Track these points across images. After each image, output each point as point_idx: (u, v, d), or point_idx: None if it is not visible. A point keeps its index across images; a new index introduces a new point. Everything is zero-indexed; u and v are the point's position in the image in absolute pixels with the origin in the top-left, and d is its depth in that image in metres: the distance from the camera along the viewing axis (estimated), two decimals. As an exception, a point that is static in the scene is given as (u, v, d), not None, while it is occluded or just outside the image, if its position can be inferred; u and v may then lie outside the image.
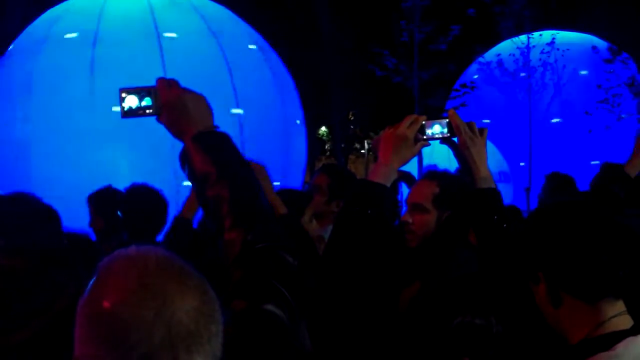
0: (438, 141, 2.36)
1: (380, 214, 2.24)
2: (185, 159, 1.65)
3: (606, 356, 1.56)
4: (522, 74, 13.73)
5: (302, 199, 3.59)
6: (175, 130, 1.68)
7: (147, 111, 1.71)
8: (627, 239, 1.66)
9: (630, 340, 1.57)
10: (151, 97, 1.70)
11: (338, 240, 2.24)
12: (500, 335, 1.92)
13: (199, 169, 1.61)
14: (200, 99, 1.69)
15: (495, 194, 2.31)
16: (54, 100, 6.86)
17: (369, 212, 2.20)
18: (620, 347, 1.56)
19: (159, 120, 1.71)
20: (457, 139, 2.32)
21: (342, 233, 2.23)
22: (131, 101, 1.71)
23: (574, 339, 1.63)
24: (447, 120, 2.32)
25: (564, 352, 1.64)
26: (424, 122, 2.30)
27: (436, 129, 2.32)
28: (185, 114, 1.66)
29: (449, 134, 2.32)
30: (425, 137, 2.31)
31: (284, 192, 3.60)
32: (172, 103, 1.67)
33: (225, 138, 1.66)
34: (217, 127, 1.68)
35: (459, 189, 2.46)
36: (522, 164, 13.19)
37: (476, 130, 2.33)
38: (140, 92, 1.71)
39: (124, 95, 1.71)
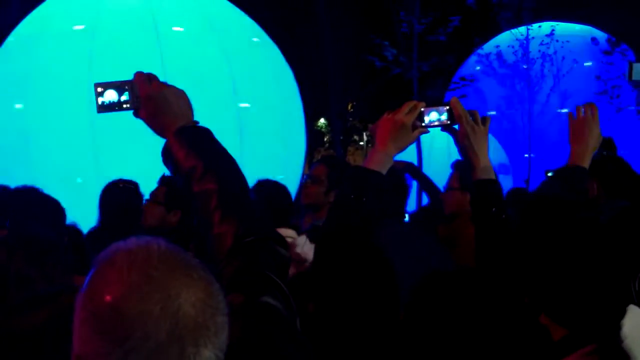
0: (439, 129, 2.32)
1: (375, 201, 2.17)
2: (168, 155, 1.62)
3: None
4: (524, 66, 13.69)
5: (284, 194, 3.62)
6: (156, 125, 1.66)
7: (124, 106, 1.68)
8: (609, 271, 1.64)
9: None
10: (128, 92, 1.67)
11: (332, 229, 2.17)
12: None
13: (184, 164, 1.58)
14: (180, 93, 1.67)
15: (494, 184, 2.28)
16: (52, 92, 6.83)
17: (364, 199, 2.13)
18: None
19: (136, 115, 1.69)
20: (458, 128, 2.27)
21: (336, 221, 2.16)
22: (109, 96, 1.68)
23: (556, 337, 1.64)
24: (448, 107, 2.27)
25: (548, 349, 1.64)
26: (422, 109, 2.24)
27: (433, 116, 2.26)
28: (166, 108, 1.64)
29: (449, 121, 2.27)
30: (423, 124, 2.24)
31: (263, 185, 3.62)
32: (153, 97, 1.64)
33: (207, 132, 1.65)
34: (197, 122, 1.66)
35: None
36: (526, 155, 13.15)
37: (479, 119, 2.28)
38: (117, 87, 1.68)
39: (99, 89, 1.68)
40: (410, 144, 2.26)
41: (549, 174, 4.32)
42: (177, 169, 1.61)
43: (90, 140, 6.64)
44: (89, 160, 6.65)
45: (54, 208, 2.17)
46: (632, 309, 1.62)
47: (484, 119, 2.30)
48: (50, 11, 7.68)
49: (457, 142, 2.30)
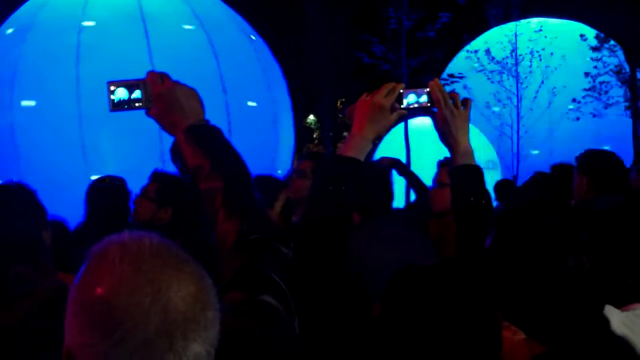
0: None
1: (353, 190, 2.07)
2: (176, 153, 1.64)
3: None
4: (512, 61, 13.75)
5: (276, 186, 3.62)
6: (166, 123, 1.67)
7: (136, 104, 1.69)
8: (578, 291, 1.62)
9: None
10: (140, 90, 1.68)
11: (310, 220, 2.07)
12: None
13: (191, 162, 1.60)
14: (191, 92, 1.69)
15: (473, 170, 2.23)
16: (40, 86, 6.80)
17: (343, 188, 2.03)
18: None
19: (148, 113, 1.70)
20: (437, 112, 2.21)
21: (315, 211, 2.07)
22: (120, 94, 1.68)
23: (535, 352, 1.62)
24: (427, 89, 2.19)
25: None
26: (401, 91, 2.14)
27: (412, 99, 2.17)
28: (177, 107, 1.65)
29: (428, 104, 2.19)
30: (402, 106, 2.14)
31: (257, 179, 3.62)
32: (164, 96, 1.66)
33: (216, 131, 1.66)
34: (208, 120, 1.67)
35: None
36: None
37: (459, 102, 2.22)
38: (129, 85, 1.69)
39: (112, 88, 1.69)
40: (389, 126, 2.16)
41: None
42: (185, 167, 1.62)
43: (78, 135, 6.61)
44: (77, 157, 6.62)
45: (28, 202, 2.14)
46: (609, 309, 1.63)
47: (465, 102, 2.23)
48: (38, 5, 7.63)
49: (437, 127, 2.24)
